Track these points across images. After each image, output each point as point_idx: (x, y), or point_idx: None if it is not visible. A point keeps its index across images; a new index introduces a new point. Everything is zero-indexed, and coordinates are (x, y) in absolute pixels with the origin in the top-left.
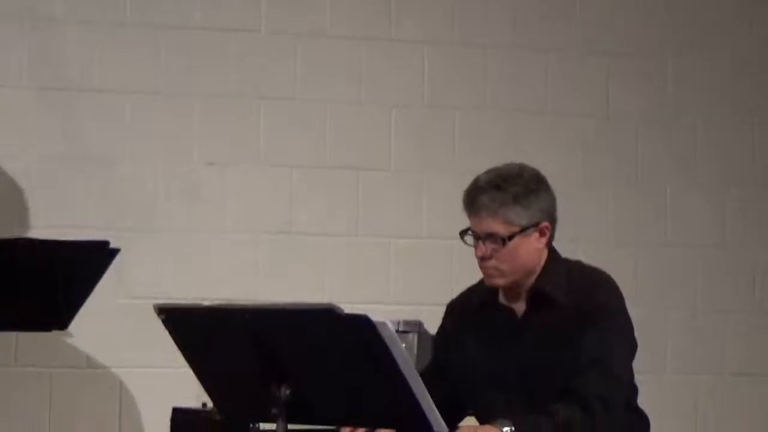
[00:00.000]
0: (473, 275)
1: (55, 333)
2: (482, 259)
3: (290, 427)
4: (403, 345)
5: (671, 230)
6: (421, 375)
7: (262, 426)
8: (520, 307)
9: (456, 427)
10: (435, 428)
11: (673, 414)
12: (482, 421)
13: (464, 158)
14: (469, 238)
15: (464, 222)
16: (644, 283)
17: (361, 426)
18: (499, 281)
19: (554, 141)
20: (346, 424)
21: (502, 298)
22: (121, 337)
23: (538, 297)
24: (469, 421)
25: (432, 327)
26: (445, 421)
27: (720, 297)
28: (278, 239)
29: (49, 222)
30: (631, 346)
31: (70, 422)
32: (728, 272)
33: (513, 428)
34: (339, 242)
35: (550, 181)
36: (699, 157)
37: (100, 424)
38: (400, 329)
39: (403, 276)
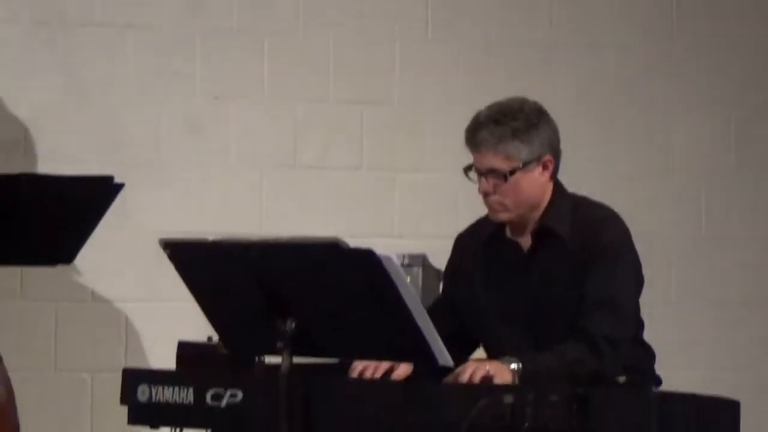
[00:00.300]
0: (478, 208)
1: (60, 267)
2: (486, 195)
3: (295, 360)
4: (408, 278)
5: (674, 159)
6: (430, 309)
7: (268, 359)
8: (526, 241)
9: (465, 361)
10: (440, 361)
11: (678, 345)
12: (490, 355)
13: (468, 92)
14: (472, 174)
15: (467, 155)
16: (646, 216)
17: (367, 359)
18: (503, 216)
19: (557, 75)
20: (351, 358)
21: (508, 233)
22: (126, 271)
23: (543, 232)
24: (481, 355)
25: (436, 260)
26: (454, 355)
27: (724, 227)
28: (282, 174)
29: (53, 157)
30: (638, 284)
31: (76, 356)
32: (733, 200)
33: (519, 365)
34: (343, 176)
35: (553, 115)
36: (704, 81)
37: (106, 358)
38: (404, 263)
39: (407, 210)
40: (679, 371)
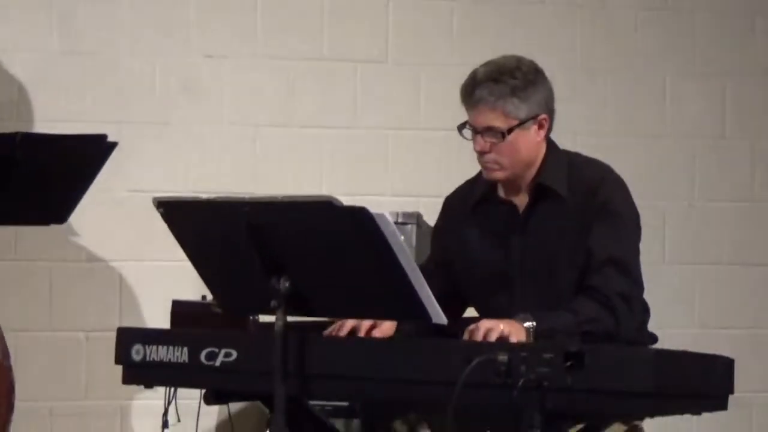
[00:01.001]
0: (472, 167)
1: (54, 227)
2: (481, 154)
3: (289, 319)
4: (402, 237)
5: (670, 120)
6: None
7: (262, 318)
8: (521, 200)
9: (458, 321)
10: (433, 319)
11: (671, 304)
12: (483, 315)
13: (462, 50)
14: (467, 132)
15: (461, 113)
16: (642, 174)
17: (361, 318)
18: (499, 175)
19: (552, 33)
20: (345, 316)
21: (501, 192)
22: (120, 230)
23: (539, 190)
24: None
25: (430, 219)
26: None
27: (717, 187)
28: (276, 131)
29: (47, 116)
30: (638, 239)
31: (71, 316)
32: (726, 162)
33: (534, 323)
34: (337, 134)
35: (548, 73)
36: (698, 45)
37: (100, 318)
38: (398, 221)
39: (401, 168)
40: (673, 330)
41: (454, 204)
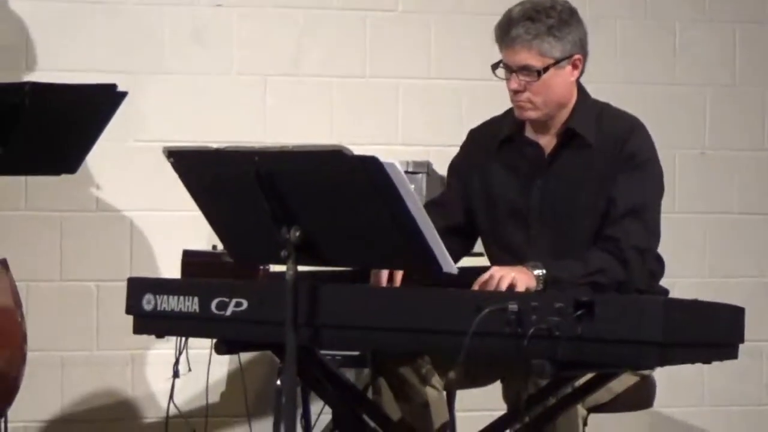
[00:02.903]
0: (482, 115)
1: (64, 177)
2: (515, 92)
3: (300, 268)
4: (412, 186)
5: (680, 68)
6: (429, 203)
7: (272, 268)
8: (548, 142)
9: (468, 270)
10: (444, 268)
11: (681, 253)
12: (493, 252)
13: None
14: (500, 72)
15: (472, 62)
16: (652, 123)
17: (371, 267)
18: (532, 114)
19: None
20: (355, 266)
21: (529, 132)
22: (130, 180)
23: (568, 134)
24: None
25: (441, 168)
26: (454, 248)
27: (728, 136)
28: (286, 81)
29: (56, 65)
30: (662, 194)
31: (82, 266)
32: (737, 111)
33: (544, 271)
34: (347, 83)
35: None
36: None
37: (111, 268)
38: (408, 170)
39: (411, 117)
40: (684, 279)
41: (479, 137)
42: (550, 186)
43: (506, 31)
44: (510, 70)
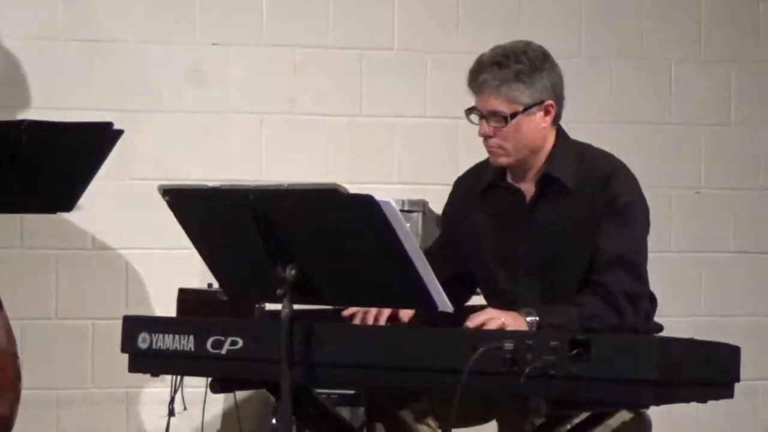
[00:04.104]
0: (478, 154)
1: (60, 215)
2: (485, 138)
3: (296, 307)
4: (408, 225)
5: (675, 108)
6: (428, 252)
7: (268, 306)
8: (528, 188)
9: (462, 307)
10: (440, 307)
11: (677, 291)
12: (489, 301)
13: (468, 37)
14: (474, 117)
15: (468, 100)
16: (647, 162)
17: (366, 305)
18: (504, 160)
19: (557, 19)
20: (351, 304)
21: (510, 178)
22: (126, 218)
23: (546, 180)
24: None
25: (436, 206)
26: (453, 299)
27: (724, 175)
28: (282, 120)
29: (53, 104)
30: (647, 233)
31: (77, 304)
32: (732, 150)
33: (537, 318)
34: (343, 122)
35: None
36: (704, 32)
37: (106, 306)
38: (404, 209)
39: (407, 155)
40: (679, 318)
41: (464, 186)
42: (533, 234)
43: (475, 76)
44: (480, 115)
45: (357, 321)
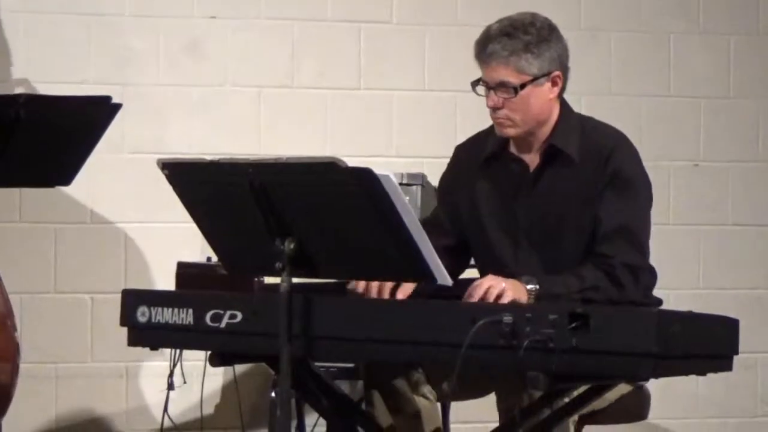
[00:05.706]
0: (477, 127)
1: (58, 189)
2: (494, 109)
3: (294, 280)
4: (407, 198)
5: (674, 80)
6: (426, 221)
7: (267, 280)
8: (532, 159)
9: (462, 281)
10: (438, 280)
11: (676, 265)
12: (484, 270)
13: (467, 10)
14: (480, 89)
15: (467, 74)
16: (646, 135)
17: (365, 279)
18: (511, 131)
19: None
20: (350, 278)
21: (513, 149)
22: (124, 192)
23: (551, 151)
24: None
25: (435, 179)
26: (450, 267)
27: (722, 147)
28: (280, 93)
29: (51, 78)
30: (649, 207)
31: (75, 278)
32: (731, 122)
33: (537, 286)
34: (341, 96)
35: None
36: (703, 4)
37: (105, 280)
38: (403, 182)
39: (405, 128)
40: (678, 291)
41: (465, 155)
42: (536, 204)
43: (484, 47)
44: (488, 86)
45: (374, 293)
